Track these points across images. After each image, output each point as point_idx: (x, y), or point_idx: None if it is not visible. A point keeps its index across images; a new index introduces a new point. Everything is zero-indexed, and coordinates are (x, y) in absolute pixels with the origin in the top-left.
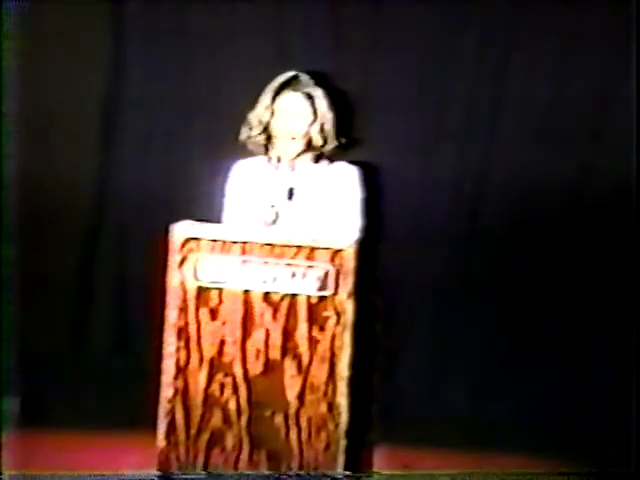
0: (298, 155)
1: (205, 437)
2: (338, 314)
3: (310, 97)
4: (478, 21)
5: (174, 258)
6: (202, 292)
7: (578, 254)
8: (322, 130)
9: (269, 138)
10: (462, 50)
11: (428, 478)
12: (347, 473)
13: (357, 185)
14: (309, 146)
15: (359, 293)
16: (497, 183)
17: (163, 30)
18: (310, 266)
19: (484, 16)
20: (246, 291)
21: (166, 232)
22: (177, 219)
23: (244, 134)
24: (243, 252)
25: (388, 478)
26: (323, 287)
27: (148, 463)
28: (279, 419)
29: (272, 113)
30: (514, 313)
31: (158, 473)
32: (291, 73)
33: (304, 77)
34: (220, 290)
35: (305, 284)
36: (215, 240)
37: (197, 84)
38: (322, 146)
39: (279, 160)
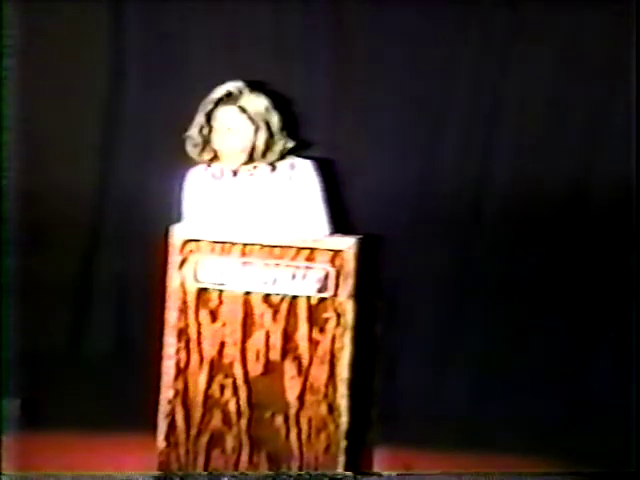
0: (243, 165)
1: (205, 438)
2: (338, 315)
3: (245, 110)
4: (478, 21)
5: (174, 259)
6: (202, 293)
7: (579, 253)
8: (263, 138)
9: (213, 152)
10: (462, 49)
11: (428, 478)
12: (347, 474)
13: (314, 178)
14: (252, 156)
15: (359, 294)
16: (498, 182)
17: (163, 34)
18: (310, 267)
19: (484, 16)
20: (246, 292)
21: (166, 233)
22: (177, 220)
23: (190, 151)
24: (243, 254)
25: (388, 479)
26: (323, 288)
27: (148, 464)
28: (279, 420)
29: (210, 130)
30: (514, 313)
31: (158, 474)
32: (223, 89)
33: (237, 89)
34: (220, 291)
35: (305, 285)
36: (215, 242)
37: (197, 87)
38: (266, 153)
39: (222, 173)
